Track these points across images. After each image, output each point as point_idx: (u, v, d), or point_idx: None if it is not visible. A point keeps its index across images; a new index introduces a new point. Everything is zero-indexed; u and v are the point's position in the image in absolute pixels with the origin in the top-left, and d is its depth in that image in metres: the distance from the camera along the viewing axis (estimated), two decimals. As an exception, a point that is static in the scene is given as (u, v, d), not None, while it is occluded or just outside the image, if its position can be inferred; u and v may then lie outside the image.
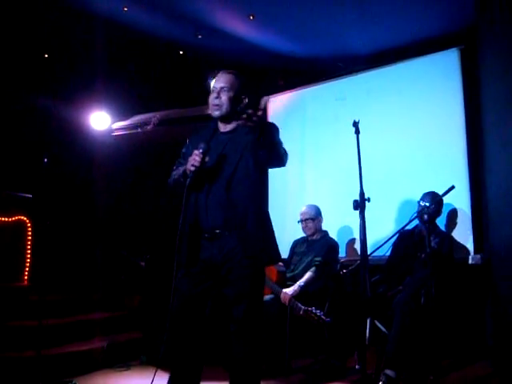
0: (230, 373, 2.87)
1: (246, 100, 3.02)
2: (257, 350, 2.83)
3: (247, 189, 2.92)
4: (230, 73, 3.02)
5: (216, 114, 2.97)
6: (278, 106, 6.52)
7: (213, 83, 3.02)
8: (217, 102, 2.94)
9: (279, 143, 2.82)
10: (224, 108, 2.94)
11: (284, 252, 5.12)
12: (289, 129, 6.29)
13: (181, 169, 2.96)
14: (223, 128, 3.03)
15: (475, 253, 4.77)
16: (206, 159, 2.79)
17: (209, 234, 2.90)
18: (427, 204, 4.25)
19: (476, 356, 4.71)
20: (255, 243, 2.88)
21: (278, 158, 2.88)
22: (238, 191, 2.89)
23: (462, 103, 5.07)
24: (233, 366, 2.86)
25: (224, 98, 2.93)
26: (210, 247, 2.89)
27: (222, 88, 2.94)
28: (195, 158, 2.77)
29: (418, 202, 4.40)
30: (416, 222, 4.40)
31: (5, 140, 6.66)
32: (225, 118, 2.99)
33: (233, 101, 2.94)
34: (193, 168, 2.78)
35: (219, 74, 3.02)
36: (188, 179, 2.81)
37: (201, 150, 2.78)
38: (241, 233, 2.86)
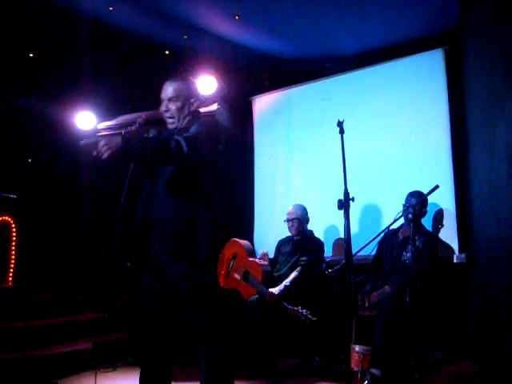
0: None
1: (196, 102, 3.05)
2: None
3: (169, 191, 2.89)
4: (174, 81, 3.04)
5: (171, 127, 3.00)
6: (263, 106, 6.54)
7: (161, 94, 3.03)
8: (168, 114, 2.98)
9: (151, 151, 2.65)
10: (176, 119, 2.98)
11: (271, 252, 5.14)
12: (274, 129, 6.32)
13: None
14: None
15: (460, 252, 4.81)
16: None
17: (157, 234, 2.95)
18: (412, 203, 4.27)
19: (460, 354, 4.75)
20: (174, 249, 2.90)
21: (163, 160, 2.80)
22: (160, 194, 2.89)
23: (447, 103, 5.12)
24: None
25: (173, 108, 2.97)
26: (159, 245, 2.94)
27: (169, 99, 2.98)
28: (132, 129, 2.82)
29: (404, 204, 4.42)
30: (401, 221, 4.43)
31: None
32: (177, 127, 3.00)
33: (181, 108, 2.98)
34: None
35: (165, 84, 3.04)
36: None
37: (138, 124, 2.86)
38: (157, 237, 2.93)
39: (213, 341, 2.88)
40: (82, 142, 2.53)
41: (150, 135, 2.86)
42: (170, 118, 3.00)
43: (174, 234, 2.86)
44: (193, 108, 3.04)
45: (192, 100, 3.04)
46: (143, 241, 2.95)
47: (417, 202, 4.24)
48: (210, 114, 6.13)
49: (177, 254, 2.85)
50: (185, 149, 2.66)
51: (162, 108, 3.00)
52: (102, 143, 2.52)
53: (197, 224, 2.85)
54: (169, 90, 3.00)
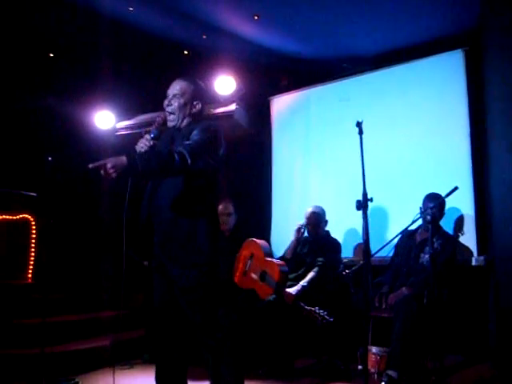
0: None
1: (199, 105, 3.09)
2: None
3: (169, 196, 2.94)
4: (183, 79, 3.10)
5: (170, 124, 3.07)
6: (281, 107, 6.53)
7: (168, 89, 3.11)
8: (169, 109, 3.05)
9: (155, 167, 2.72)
10: (176, 116, 3.04)
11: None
12: (292, 129, 6.32)
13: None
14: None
15: (479, 254, 4.77)
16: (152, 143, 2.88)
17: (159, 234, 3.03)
18: (430, 205, 4.25)
19: (478, 358, 4.71)
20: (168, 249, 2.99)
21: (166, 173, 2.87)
22: (160, 198, 2.97)
23: (467, 104, 5.06)
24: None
25: (175, 104, 3.04)
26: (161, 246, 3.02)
27: (174, 95, 3.05)
28: (143, 141, 2.88)
29: (421, 207, 4.41)
30: (419, 222, 4.41)
31: (10, 139, 6.68)
32: (176, 124, 3.08)
33: (183, 107, 3.04)
34: (142, 150, 2.87)
35: (174, 81, 3.11)
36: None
37: (152, 136, 2.89)
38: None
39: (216, 335, 2.94)
40: (90, 165, 2.58)
41: (151, 135, 2.89)
42: (170, 113, 3.06)
43: (173, 239, 2.93)
44: (194, 110, 3.09)
45: (195, 102, 3.09)
46: (146, 240, 3.04)
47: (435, 204, 4.21)
48: (228, 114, 6.18)
49: (176, 258, 2.93)
50: (188, 160, 2.72)
51: (165, 102, 3.06)
52: (108, 165, 2.55)
53: (197, 229, 2.92)
54: (175, 86, 3.07)
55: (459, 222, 4.89)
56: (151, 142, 2.88)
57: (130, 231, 3.08)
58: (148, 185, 3.08)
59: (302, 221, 4.94)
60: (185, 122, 3.07)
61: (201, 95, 3.14)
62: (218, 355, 2.94)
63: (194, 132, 2.94)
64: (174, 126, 3.08)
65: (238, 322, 3.23)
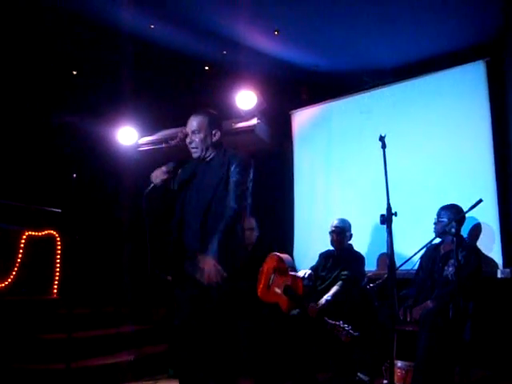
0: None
1: (218, 133, 3.34)
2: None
3: (218, 221, 3.14)
4: (197, 115, 3.34)
5: (195, 155, 3.34)
6: (303, 120, 6.55)
7: (186, 127, 3.34)
8: (192, 145, 3.30)
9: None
10: (200, 150, 3.30)
11: (309, 264, 5.15)
12: (314, 142, 6.33)
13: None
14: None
15: (504, 267, 4.71)
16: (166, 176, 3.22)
17: (188, 254, 3.22)
18: (444, 218, 4.24)
19: (506, 372, 4.63)
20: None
21: None
22: (209, 223, 3.15)
23: (489, 116, 5.03)
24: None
25: (196, 140, 3.28)
26: (188, 266, 3.21)
27: (193, 132, 3.30)
28: (158, 174, 3.22)
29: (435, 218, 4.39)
30: (443, 236, 4.37)
31: (35, 155, 6.78)
32: (201, 156, 3.34)
33: (204, 140, 3.29)
34: (157, 181, 3.21)
35: (189, 119, 3.34)
36: (148, 188, 3.22)
37: (164, 169, 3.23)
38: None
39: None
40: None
41: (167, 168, 3.25)
42: (193, 148, 3.31)
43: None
44: (215, 139, 3.33)
45: (214, 131, 3.32)
46: (175, 258, 3.25)
47: (459, 217, 4.18)
48: (250, 129, 6.22)
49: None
50: (237, 210, 3.12)
51: (187, 140, 3.31)
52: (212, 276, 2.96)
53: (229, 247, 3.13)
54: (192, 123, 3.31)
55: (483, 234, 4.84)
56: (165, 176, 3.21)
57: (158, 248, 3.21)
58: (177, 204, 3.31)
59: (308, 271, 4.91)
60: (209, 152, 3.33)
61: (217, 123, 3.38)
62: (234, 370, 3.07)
63: (233, 169, 3.21)
64: (198, 157, 3.33)
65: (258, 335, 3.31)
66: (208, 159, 3.34)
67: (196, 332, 3.11)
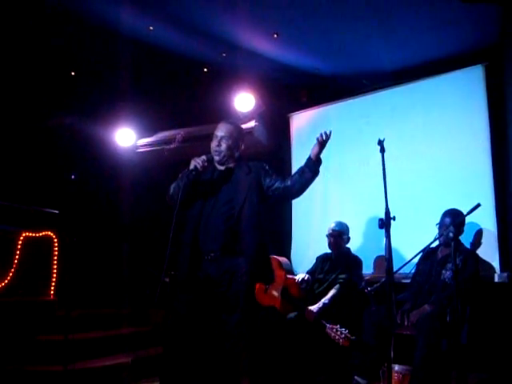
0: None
1: (243, 146, 3.59)
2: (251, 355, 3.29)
3: (252, 222, 3.42)
4: (229, 123, 3.56)
5: (216, 158, 3.51)
6: (301, 123, 6.55)
7: (216, 130, 3.52)
8: (217, 148, 3.48)
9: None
10: (223, 154, 3.48)
11: (306, 267, 5.17)
12: (312, 145, 6.30)
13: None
14: (219, 167, 3.56)
15: (501, 271, 4.72)
16: (201, 165, 3.34)
17: (207, 256, 3.36)
18: (449, 221, 4.24)
19: (503, 375, 4.64)
20: (257, 265, 3.39)
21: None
22: (244, 224, 3.38)
23: (487, 120, 5.04)
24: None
25: (224, 145, 3.47)
26: (207, 267, 3.37)
27: (222, 137, 3.48)
28: (199, 160, 3.34)
29: (438, 223, 4.39)
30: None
31: (32, 156, 6.77)
32: (222, 161, 3.52)
33: (231, 148, 3.50)
34: (197, 165, 3.33)
35: (220, 124, 3.54)
36: (189, 175, 3.36)
37: (204, 157, 3.37)
38: (246, 256, 3.34)
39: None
40: None
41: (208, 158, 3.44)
42: (218, 151, 3.48)
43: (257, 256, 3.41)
44: (239, 151, 3.57)
45: (240, 143, 3.55)
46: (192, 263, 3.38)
47: (459, 221, 4.19)
48: (248, 131, 6.21)
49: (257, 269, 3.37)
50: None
51: (214, 143, 3.48)
52: None
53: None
54: (223, 129, 3.50)
55: (480, 238, 4.85)
56: (205, 163, 3.38)
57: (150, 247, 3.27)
58: (193, 208, 3.46)
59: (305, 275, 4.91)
60: (230, 160, 3.53)
61: (243, 138, 3.61)
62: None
63: (264, 173, 3.53)
64: (218, 161, 3.51)
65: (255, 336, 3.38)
66: (229, 167, 3.53)
67: (202, 335, 3.33)
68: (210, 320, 3.38)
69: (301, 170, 3.47)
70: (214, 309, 3.38)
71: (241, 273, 3.30)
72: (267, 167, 3.57)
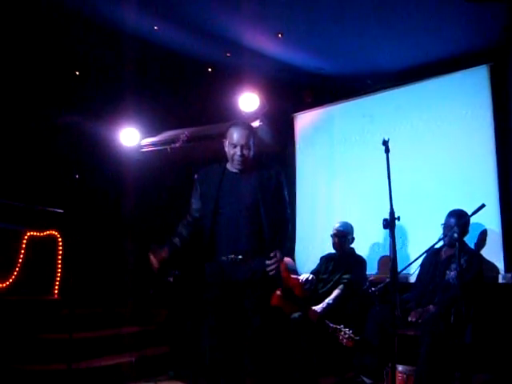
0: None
1: (256, 148, 3.51)
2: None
3: (273, 224, 3.40)
4: (245, 128, 3.43)
5: (237, 166, 3.42)
6: (305, 123, 6.55)
7: (233, 137, 3.38)
8: (240, 159, 3.38)
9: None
10: (248, 162, 3.41)
11: (310, 267, 5.18)
12: (317, 146, 6.33)
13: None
14: (232, 169, 3.49)
15: (506, 271, 4.71)
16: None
17: (233, 259, 3.37)
18: (454, 221, 4.23)
19: (507, 376, 4.63)
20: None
21: None
22: (267, 226, 3.37)
23: (492, 120, 5.03)
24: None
25: (246, 154, 3.38)
26: (233, 269, 3.38)
27: (243, 146, 3.37)
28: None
29: (443, 223, 4.38)
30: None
31: (37, 156, 6.78)
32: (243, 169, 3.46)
33: (252, 155, 3.43)
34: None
35: (238, 130, 3.39)
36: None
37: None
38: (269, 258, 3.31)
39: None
40: None
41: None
42: (242, 161, 3.39)
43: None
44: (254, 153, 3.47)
45: (255, 147, 3.47)
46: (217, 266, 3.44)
47: (464, 221, 4.18)
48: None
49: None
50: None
51: (237, 152, 3.36)
52: None
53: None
54: (243, 135, 3.37)
55: (485, 239, 4.84)
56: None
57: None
58: (208, 210, 3.46)
59: (309, 275, 4.90)
60: (249, 166, 3.45)
61: (257, 139, 3.53)
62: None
63: (280, 186, 3.50)
64: (240, 169, 3.44)
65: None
66: (246, 169, 3.45)
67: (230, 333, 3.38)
68: (237, 320, 3.42)
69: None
70: (240, 309, 3.42)
71: (265, 274, 3.33)
72: (284, 183, 3.55)
